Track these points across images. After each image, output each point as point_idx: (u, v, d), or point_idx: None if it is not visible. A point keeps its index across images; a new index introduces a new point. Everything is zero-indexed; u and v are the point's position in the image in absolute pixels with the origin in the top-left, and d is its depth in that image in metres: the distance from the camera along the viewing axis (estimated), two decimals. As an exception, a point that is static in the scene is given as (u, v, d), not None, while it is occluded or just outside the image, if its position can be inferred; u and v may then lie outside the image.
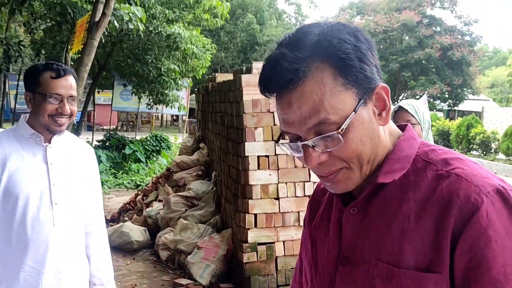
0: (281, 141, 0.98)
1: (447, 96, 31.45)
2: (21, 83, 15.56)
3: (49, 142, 2.08)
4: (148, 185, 8.29)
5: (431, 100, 30.75)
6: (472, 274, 0.84)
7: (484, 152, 18.32)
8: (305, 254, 1.14)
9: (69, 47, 8.24)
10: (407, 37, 32.16)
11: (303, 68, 0.88)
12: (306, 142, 0.90)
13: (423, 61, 30.60)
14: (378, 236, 0.93)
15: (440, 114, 29.52)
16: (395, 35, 31.88)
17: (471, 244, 0.84)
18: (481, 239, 0.83)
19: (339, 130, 0.88)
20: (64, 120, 2.03)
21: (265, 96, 0.95)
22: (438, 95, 30.81)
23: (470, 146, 19.02)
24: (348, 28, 0.93)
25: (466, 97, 32.24)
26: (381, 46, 32.52)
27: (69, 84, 2.02)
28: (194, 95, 14.53)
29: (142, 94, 13.85)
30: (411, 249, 0.89)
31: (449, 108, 33.72)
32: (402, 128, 1.03)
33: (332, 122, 0.88)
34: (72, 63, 9.42)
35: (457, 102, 31.99)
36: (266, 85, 0.93)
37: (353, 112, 0.89)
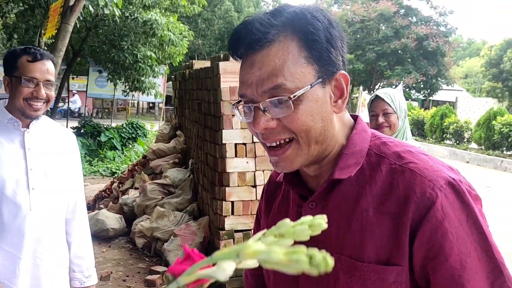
0: (236, 104, 1.00)
1: (422, 86, 31.86)
2: (-7, 68, 15.21)
3: (27, 127, 2.07)
4: (124, 173, 8.22)
5: (407, 89, 31.11)
6: (430, 264, 0.88)
7: (457, 142, 18.67)
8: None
9: (43, 31, 8.07)
10: (383, 27, 32.38)
11: (273, 32, 0.92)
12: (258, 105, 0.93)
13: (399, 51, 30.88)
14: (339, 231, 0.96)
15: (415, 104, 29.91)
16: (372, 25, 32.07)
17: (429, 236, 0.88)
18: (438, 231, 0.87)
19: (291, 96, 0.90)
20: (40, 105, 2.00)
21: (233, 57, 0.99)
22: (414, 85, 31.20)
23: (444, 136, 19.35)
24: (326, 13, 0.96)
25: (440, 87, 32.71)
26: (358, 36, 32.69)
27: (45, 68, 1.99)
28: (171, 82, 14.41)
29: (117, 80, 13.67)
30: (372, 243, 0.92)
31: (424, 98, 34.20)
32: (354, 118, 1.05)
33: (286, 89, 0.90)
34: (45, 48, 9.23)
35: (432, 92, 32.43)
36: (235, 40, 0.96)
37: (309, 86, 0.91)
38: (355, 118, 1.05)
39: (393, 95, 2.74)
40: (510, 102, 36.05)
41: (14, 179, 1.99)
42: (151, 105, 37.50)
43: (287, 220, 0.71)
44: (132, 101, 32.74)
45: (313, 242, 0.96)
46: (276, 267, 0.64)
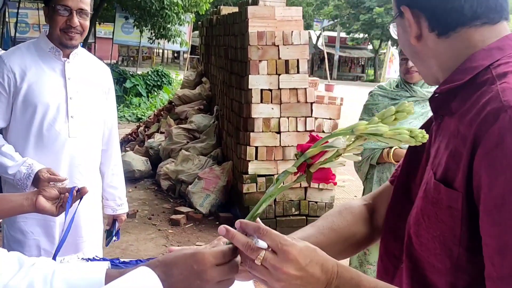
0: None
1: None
2: (21, 11, 15.28)
3: (68, 58, 2.15)
4: (150, 117, 8.34)
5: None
6: (479, 191, 0.81)
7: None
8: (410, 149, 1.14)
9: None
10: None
11: None
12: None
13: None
14: (440, 145, 0.94)
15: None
16: (405, -23, 30.90)
17: (479, 161, 0.80)
18: (487, 157, 0.79)
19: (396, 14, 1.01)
20: (75, 34, 2.06)
21: None
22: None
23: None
24: None
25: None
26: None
27: None
28: (196, 32, 14.26)
29: (144, 27, 13.63)
30: (445, 161, 0.89)
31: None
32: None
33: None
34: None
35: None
36: None
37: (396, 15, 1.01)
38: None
39: None
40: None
41: (55, 106, 2.10)
42: (176, 54, 37.41)
43: (392, 108, 0.85)
44: (157, 50, 32.69)
45: (430, 156, 0.98)
46: (381, 139, 0.83)
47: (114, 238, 2.50)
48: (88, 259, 1.80)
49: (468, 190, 0.83)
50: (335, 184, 0.78)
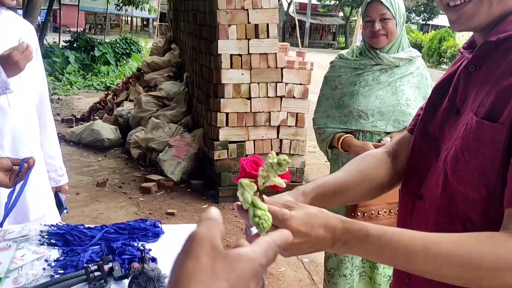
0: None
1: (422, 9, 31.11)
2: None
3: None
4: (118, 85, 8.18)
5: (406, 13, 30.42)
6: None
7: (454, 67, 18.57)
8: (429, 98, 1.22)
9: None
10: None
11: None
12: None
13: (402, -28, 29.84)
14: (481, 91, 0.99)
15: (414, 27, 29.32)
16: None
17: None
18: None
19: None
20: None
21: None
22: (414, 8, 30.45)
23: (441, 60, 19.20)
24: None
25: (440, 11, 31.98)
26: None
27: None
28: (165, -3, 13.93)
29: (110, -7, 13.25)
30: (490, 101, 0.95)
31: (423, 22, 33.47)
32: None
33: None
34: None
35: (432, 16, 31.72)
36: None
37: None
38: None
39: None
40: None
41: None
42: (145, 22, 36.60)
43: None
44: (126, 18, 31.87)
45: (462, 102, 1.03)
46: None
47: (65, 210, 2.34)
48: (51, 225, 1.76)
49: None
50: (288, 181, 0.81)
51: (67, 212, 2.39)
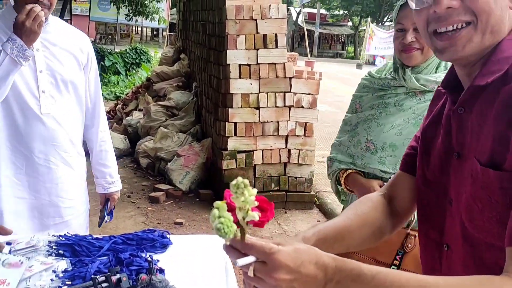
0: None
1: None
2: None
3: None
4: (128, 95, 8.23)
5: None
6: None
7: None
8: (420, 140, 1.20)
9: None
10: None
11: None
12: None
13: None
14: (480, 135, 0.97)
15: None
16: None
17: None
18: None
19: None
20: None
21: None
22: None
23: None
24: None
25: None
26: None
27: None
28: (175, 9, 14.00)
29: (121, 4, 13.36)
30: (490, 148, 0.93)
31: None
32: None
33: None
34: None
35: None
36: None
37: None
38: None
39: None
40: None
41: (23, 81, 1.96)
42: (155, 32, 36.89)
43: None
44: (136, 27, 32.15)
45: (461, 144, 1.01)
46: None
47: (106, 218, 2.38)
48: (59, 236, 1.76)
49: None
50: (271, 217, 0.80)
51: (107, 221, 2.41)
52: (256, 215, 0.85)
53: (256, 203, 0.86)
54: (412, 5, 1.01)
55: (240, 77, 4.81)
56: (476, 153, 0.96)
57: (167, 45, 14.52)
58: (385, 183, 1.77)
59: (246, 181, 0.84)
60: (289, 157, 5.05)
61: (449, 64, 1.67)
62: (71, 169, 2.14)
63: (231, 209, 0.86)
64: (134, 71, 13.75)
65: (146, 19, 14.87)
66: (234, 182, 0.84)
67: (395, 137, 1.86)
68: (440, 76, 1.77)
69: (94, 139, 2.27)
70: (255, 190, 0.86)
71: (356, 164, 1.96)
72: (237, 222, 0.86)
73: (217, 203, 0.84)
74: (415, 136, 1.25)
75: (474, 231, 0.96)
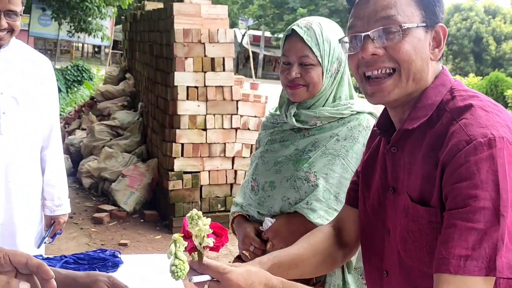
0: (342, 36, 1.14)
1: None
2: None
3: None
4: (70, 114, 8.06)
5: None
6: (446, 201, 0.99)
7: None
8: (360, 176, 1.30)
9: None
10: (337, -17, 32.36)
11: None
12: (369, 33, 1.06)
13: (351, 9, 31.07)
14: (411, 172, 1.09)
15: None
16: (326, -20, 31.95)
17: (447, 177, 0.97)
18: (455, 173, 0.96)
19: (402, 25, 1.04)
20: (3, 34, 1.94)
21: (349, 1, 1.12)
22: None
23: (507, 106, 16.95)
24: None
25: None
26: (312, -10, 32.52)
27: None
28: (119, 26, 13.87)
29: (62, 20, 13.09)
30: (419, 186, 1.05)
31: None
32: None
33: (397, 21, 1.05)
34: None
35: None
36: None
37: (416, 24, 1.05)
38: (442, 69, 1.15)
39: (320, 33, 1.62)
40: (454, 66, 37.39)
41: None
42: (96, 49, 36.17)
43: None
44: (77, 44, 31.43)
45: (395, 180, 1.13)
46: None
47: (46, 240, 2.33)
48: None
49: (442, 204, 1.00)
50: (226, 242, 0.90)
51: (47, 242, 2.38)
52: (211, 241, 0.96)
53: (211, 231, 0.97)
54: (345, 49, 1.13)
55: (187, 99, 4.87)
56: (408, 189, 1.08)
57: (110, 63, 14.27)
58: (260, 227, 1.68)
59: (200, 212, 0.96)
60: (235, 178, 5.13)
61: (345, 97, 1.71)
62: (28, 188, 2.14)
63: (188, 236, 0.96)
64: (75, 89, 13.44)
65: (89, 36, 14.64)
66: (188, 214, 0.96)
67: (275, 175, 1.70)
68: (322, 110, 1.66)
69: (48, 160, 2.27)
70: (208, 220, 0.97)
71: (242, 206, 1.80)
72: (194, 247, 0.97)
73: (175, 236, 0.95)
74: (356, 171, 1.36)
75: (408, 259, 1.08)
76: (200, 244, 0.96)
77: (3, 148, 2.02)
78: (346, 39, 1.12)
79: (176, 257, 0.94)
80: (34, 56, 2.20)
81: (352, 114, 1.67)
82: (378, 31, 1.05)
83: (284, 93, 1.74)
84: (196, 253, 0.98)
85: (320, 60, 1.61)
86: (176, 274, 0.93)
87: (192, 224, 0.95)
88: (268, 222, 1.64)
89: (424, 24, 1.06)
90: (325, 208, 1.57)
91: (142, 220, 5.18)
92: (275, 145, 1.75)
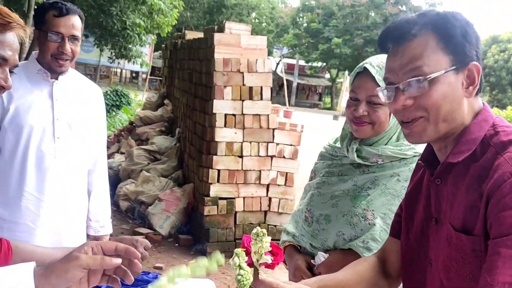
0: (378, 88, 1.23)
1: None
2: None
3: (56, 79, 2.16)
4: (109, 137, 8.28)
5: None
6: (490, 230, 1.03)
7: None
8: (404, 207, 1.36)
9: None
10: (373, 13, 32.50)
11: (416, 28, 1.13)
12: (398, 85, 1.13)
13: (386, 39, 31.07)
14: (453, 203, 1.14)
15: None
16: (362, 10, 32.15)
17: (492, 208, 1.02)
18: (500, 203, 1.01)
19: (427, 77, 1.10)
20: (65, 60, 2.09)
21: (380, 48, 1.22)
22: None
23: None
24: (464, 16, 1.16)
25: None
26: (347, 20, 32.75)
27: (71, 23, 2.07)
28: (156, 53, 14.25)
29: (104, 47, 13.56)
30: (463, 215, 1.09)
31: None
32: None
33: (423, 71, 1.10)
34: (35, 7, 9.13)
35: None
36: (384, 35, 1.20)
37: (443, 71, 1.10)
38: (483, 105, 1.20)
39: None
40: (491, 97, 36.74)
41: (41, 128, 2.10)
42: (134, 74, 37.14)
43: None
44: (115, 69, 32.36)
45: (438, 211, 1.19)
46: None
47: None
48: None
49: (485, 232, 1.04)
50: (281, 260, 0.98)
51: None
52: (269, 258, 1.04)
53: (270, 249, 1.04)
54: (384, 97, 1.19)
55: (225, 126, 4.97)
56: (450, 219, 1.12)
57: (147, 88, 14.65)
58: (312, 261, 1.68)
59: (264, 230, 1.03)
60: (269, 205, 5.17)
61: (402, 137, 1.70)
62: (76, 210, 2.25)
63: (247, 252, 1.04)
64: (114, 113, 13.80)
65: (128, 62, 15.10)
66: (254, 231, 1.03)
67: (331, 209, 1.70)
68: (385, 149, 1.66)
69: (94, 183, 2.39)
70: (269, 238, 1.05)
71: (295, 236, 1.79)
72: (251, 263, 1.05)
73: (237, 250, 1.02)
74: (400, 204, 1.40)
75: None
76: (257, 260, 1.04)
77: (56, 171, 2.15)
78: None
79: (241, 268, 1.02)
80: (87, 84, 2.34)
81: (414, 156, 1.65)
82: (407, 82, 1.11)
83: (347, 127, 1.74)
84: (252, 269, 1.06)
85: None
86: (242, 283, 1.01)
87: (256, 240, 1.03)
88: (321, 257, 1.65)
89: (453, 68, 1.11)
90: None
91: (176, 244, 5.25)
92: (333, 178, 1.75)
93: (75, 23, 2.09)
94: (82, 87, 2.29)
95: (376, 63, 1.63)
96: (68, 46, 2.07)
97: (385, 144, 1.68)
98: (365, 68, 1.62)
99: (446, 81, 1.10)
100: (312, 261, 1.68)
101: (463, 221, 1.09)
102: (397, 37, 1.14)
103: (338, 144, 1.82)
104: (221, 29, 5.37)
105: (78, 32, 2.11)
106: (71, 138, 2.18)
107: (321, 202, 1.73)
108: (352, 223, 1.63)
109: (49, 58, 2.08)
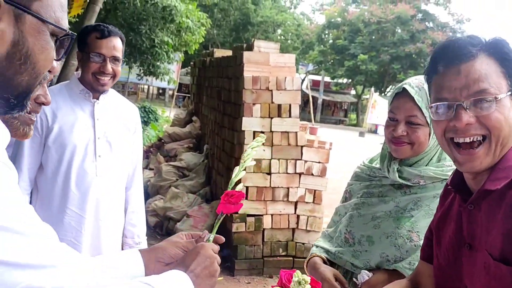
0: (433, 104, 1.20)
1: None
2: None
3: (97, 99, 2.24)
4: (138, 154, 8.41)
5: None
6: None
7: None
8: (434, 231, 1.36)
9: (68, 10, 8.23)
10: (399, 30, 32.37)
11: (477, 49, 1.14)
12: (463, 103, 1.12)
13: (414, 55, 30.90)
14: (489, 230, 1.13)
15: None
16: (388, 27, 32.06)
17: None
18: None
19: (496, 97, 1.11)
20: (107, 79, 2.17)
21: (433, 65, 1.20)
22: None
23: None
24: None
25: None
26: (374, 37, 32.68)
27: (112, 45, 2.15)
28: (183, 69, 14.48)
29: (133, 64, 13.84)
30: (500, 244, 1.08)
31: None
32: None
33: (489, 93, 1.11)
34: (69, 26, 9.38)
35: None
36: (441, 52, 1.18)
37: (505, 94, 1.12)
38: None
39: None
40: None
41: (83, 146, 2.18)
42: (161, 91, 37.68)
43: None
44: (142, 86, 32.90)
45: (471, 237, 1.18)
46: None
47: None
48: None
49: None
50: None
51: None
52: None
53: None
54: (433, 115, 1.18)
55: (253, 143, 4.99)
56: (487, 247, 1.11)
57: (174, 105, 14.85)
58: (355, 279, 1.68)
59: (306, 277, 1.05)
60: (297, 223, 5.15)
61: (443, 156, 1.69)
62: (114, 226, 2.30)
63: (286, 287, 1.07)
64: (142, 129, 14.00)
65: (156, 79, 15.36)
66: (296, 279, 1.06)
67: (373, 230, 1.70)
68: (426, 170, 1.65)
69: (130, 200, 2.44)
70: (309, 279, 1.07)
71: (329, 252, 1.80)
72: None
73: None
74: (429, 227, 1.40)
75: None
76: None
77: (97, 188, 2.22)
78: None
79: None
80: (125, 104, 2.41)
81: None
82: (473, 101, 1.11)
83: (386, 147, 1.73)
84: None
85: (428, 121, 1.59)
86: None
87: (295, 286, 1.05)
88: (365, 275, 1.64)
89: (510, 93, 1.12)
90: None
91: (204, 261, 5.26)
92: (373, 199, 1.74)
93: (116, 44, 2.17)
94: (121, 106, 2.36)
95: (415, 83, 1.63)
96: (110, 66, 2.15)
97: (426, 165, 1.68)
98: (404, 88, 1.62)
99: (505, 103, 1.12)
100: (354, 279, 1.69)
101: (502, 250, 1.07)
102: (458, 56, 1.14)
103: (374, 164, 1.82)
104: (250, 47, 5.43)
105: (119, 53, 2.18)
106: (111, 156, 2.25)
107: (362, 223, 1.73)
108: (397, 244, 1.63)
109: (90, 78, 2.16)
